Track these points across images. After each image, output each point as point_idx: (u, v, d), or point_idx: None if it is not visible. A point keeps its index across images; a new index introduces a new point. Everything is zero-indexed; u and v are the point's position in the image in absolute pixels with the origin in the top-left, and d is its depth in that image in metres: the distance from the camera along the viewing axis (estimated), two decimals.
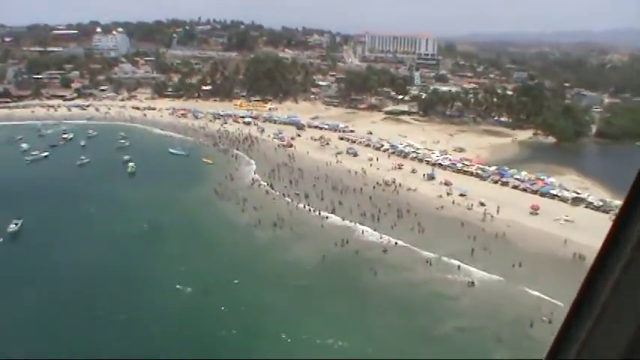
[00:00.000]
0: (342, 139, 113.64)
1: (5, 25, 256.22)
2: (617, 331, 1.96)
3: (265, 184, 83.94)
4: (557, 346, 2.26)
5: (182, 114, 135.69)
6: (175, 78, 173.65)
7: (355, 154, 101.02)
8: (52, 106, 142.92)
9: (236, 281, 52.35)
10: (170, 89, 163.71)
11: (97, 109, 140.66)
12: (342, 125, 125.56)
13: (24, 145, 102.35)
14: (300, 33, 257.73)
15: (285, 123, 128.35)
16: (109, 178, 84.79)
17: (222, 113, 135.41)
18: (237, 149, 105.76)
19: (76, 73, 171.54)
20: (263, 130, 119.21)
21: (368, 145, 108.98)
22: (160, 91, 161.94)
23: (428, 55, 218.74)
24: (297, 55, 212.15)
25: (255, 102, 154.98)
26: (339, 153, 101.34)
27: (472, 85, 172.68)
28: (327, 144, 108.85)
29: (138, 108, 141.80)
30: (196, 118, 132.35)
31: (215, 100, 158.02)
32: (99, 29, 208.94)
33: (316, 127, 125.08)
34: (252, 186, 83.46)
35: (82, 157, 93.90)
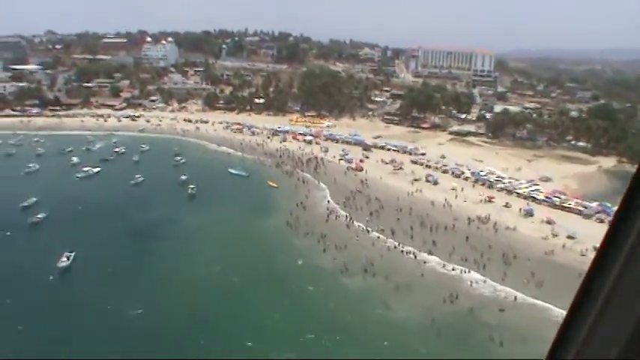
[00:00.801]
0: (414, 162, 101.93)
1: (55, 32, 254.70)
2: (616, 331, 1.93)
3: (344, 215, 72.80)
4: (557, 346, 2.23)
5: (237, 129, 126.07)
6: (226, 90, 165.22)
7: (435, 182, 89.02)
8: (102, 116, 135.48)
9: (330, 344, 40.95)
10: (221, 101, 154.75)
11: (148, 121, 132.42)
12: (410, 147, 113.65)
13: (74, 159, 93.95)
14: (349, 46, 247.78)
15: (348, 142, 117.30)
16: (167, 202, 75.12)
17: (279, 129, 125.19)
18: (303, 171, 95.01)
19: (126, 82, 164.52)
20: (327, 150, 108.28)
21: (445, 172, 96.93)
22: (211, 103, 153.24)
23: (484, 71, 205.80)
24: (348, 68, 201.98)
25: (310, 118, 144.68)
26: (416, 180, 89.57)
27: (534, 105, 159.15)
28: (401, 168, 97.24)
29: (190, 121, 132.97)
30: (253, 134, 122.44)
31: (268, 114, 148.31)
32: (149, 38, 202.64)
33: (382, 147, 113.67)
34: (329, 217, 72.27)
35: (137, 176, 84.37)
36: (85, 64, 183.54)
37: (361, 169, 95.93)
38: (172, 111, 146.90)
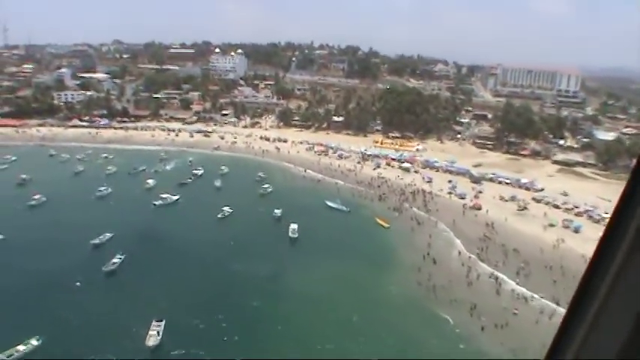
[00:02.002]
0: (536, 200, 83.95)
1: (122, 41, 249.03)
2: (614, 331, 1.91)
3: (487, 274, 55.88)
4: (556, 346, 2.20)
5: (322, 150, 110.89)
6: (299, 104, 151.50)
7: (576, 231, 70.75)
8: (173, 130, 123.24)
9: None
10: (296, 118, 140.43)
11: (222, 137, 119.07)
12: (525, 180, 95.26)
13: (150, 182, 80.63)
14: (419, 61, 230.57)
15: (449, 171, 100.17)
16: (264, 246, 59.87)
17: (370, 153, 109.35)
18: (412, 207, 78.63)
19: (195, 94, 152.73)
20: (430, 181, 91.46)
21: (579, 214, 78.48)
22: (286, 119, 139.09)
23: (569, 91, 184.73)
24: (423, 85, 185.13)
25: (395, 139, 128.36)
26: (551, 225, 71.76)
27: (632, 131, 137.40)
28: (526, 208, 79.52)
29: (267, 139, 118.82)
30: (341, 157, 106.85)
31: (347, 134, 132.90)
32: (217, 50, 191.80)
33: (491, 179, 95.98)
34: (468, 277, 55.30)
35: (224, 208, 69.62)
36: (152, 74, 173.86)
37: (479, 208, 78.70)
38: (245, 127, 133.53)
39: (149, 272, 51.31)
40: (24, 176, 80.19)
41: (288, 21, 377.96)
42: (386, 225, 69.91)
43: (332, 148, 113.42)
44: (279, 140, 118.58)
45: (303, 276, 52.37)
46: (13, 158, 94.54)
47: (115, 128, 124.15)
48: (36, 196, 70.57)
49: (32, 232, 60.00)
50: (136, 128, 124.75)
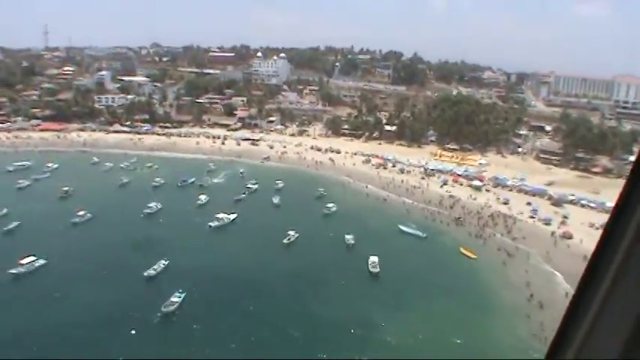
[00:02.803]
0: None
1: (160, 44, 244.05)
2: (615, 330, 1.89)
3: None
4: (556, 345, 2.18)
5: (379, 163, 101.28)
6: (344, 112, 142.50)
7: None
8: (218, 138, 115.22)
9: None
10: (346, 126, 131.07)
11: (271, 147, 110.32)
12: (609, 204, 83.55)
13: (202, 198, 72.11)
14: (466, 67, 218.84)
15: (522, 190, 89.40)
16: (346, 283, 50.52)
17: (432, 168, 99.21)
18: (494, 233, 68.37)
19: (238, 99, 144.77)
20: (507, 202, 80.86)
21: None
22: (335, 127, 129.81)
23: (628, 102, 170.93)
24: (472, 93, 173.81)
25: (454, 152, 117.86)
26: None
27: None
28: None
29: (319, 149, 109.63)
30: (402, 171, 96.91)
31: (400, 145, 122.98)
32: (259, 54, 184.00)
33: (572, 202, 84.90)
34: None
35: (289, 233, 60.38)
36: (193, 78, 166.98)
37: (571, 236, 67.95)
38: (292, 135, 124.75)
39: (214, 316, 42.38)
40: (66, 188, 72.71)
41: (320, 24, 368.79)
42: (472, 256, 59.94)
43: (389, 160, 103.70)
44: (331, 151, 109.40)
45: (396, 322, 42.98)
46: (55, 166, 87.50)
47: (159, 134, 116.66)
48: (80, 213, 62.77)
49: (77, 256, 52.04)
50: (179, 135, 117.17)
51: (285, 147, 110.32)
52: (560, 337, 2.14)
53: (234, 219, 64.89)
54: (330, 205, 72.49)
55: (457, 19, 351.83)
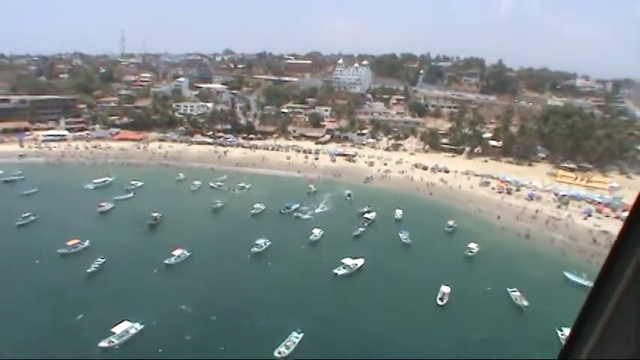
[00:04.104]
0: None
1: (233, 51, 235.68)
2: (628, 331, 1.85)
3: None
4: (569, 345, 2.15)
5: (502, 187, 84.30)
6: (435, 123, 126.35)
7: None
8: (310, 152, 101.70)
9: None
10: (446, 140, 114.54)
11: (371, 164, 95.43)
12: None
13: (316, 233, 57.42)
14: (557, 75, 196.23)
15: None
16: None
17: (565, 194, 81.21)
18: None
19: (322, 109, 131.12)
20: None
21: None
22: (433, 141, 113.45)
23: None
24: (568, 103, 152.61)
25: (573, 171, 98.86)
26: None
27: None
28: None
29: (425, 168, 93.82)
30: (531, 198, 79.47)
31: (509, 162, 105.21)
32: (340, 61, 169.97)
33: None
34: None
35: (443, 290, 44.60)
36: (271, 86, 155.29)
37: None
38: (388, 149, 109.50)
39: None
40: (155, 214, 60.32)
41: (383, 30, 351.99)
42: None
43: (508, 182, 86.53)
44: (438, 170, 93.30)
45: None
46: (139, 184, 75.96)
47: (244, 147, 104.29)
48: (176, 252, 49.79)
49: (176, 321, 38.60)
50: (266, 148, 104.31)
51: (385, 164, 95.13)
52: (573, 337, 2.10)
53: (361, 266, 49.92)
54: (473, 245, 56.38)
55: (528, 24, 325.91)
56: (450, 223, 63.92)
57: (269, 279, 46.72)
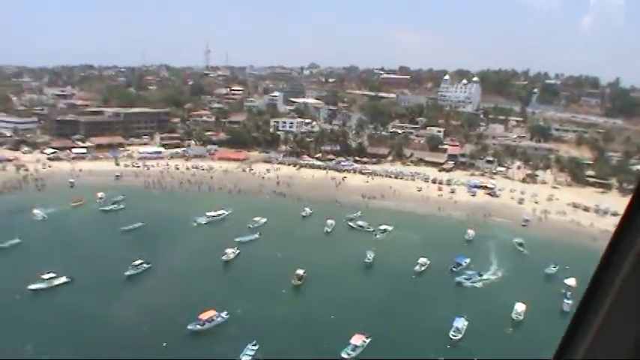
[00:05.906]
0: None
1: (317, 64, 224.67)
2: (624, 331, 1.85)
3: None
4: (565, 345, 2.12)
5: None
6: (562, 149, 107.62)
7: None
8: (442, 183, 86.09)
9: None
10: (591, 172, 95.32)
11: (520, 201, 78.52)
12: None
13: (519, 311, 41.66)
14: None
15: None
16: None
17: None
18: None
19: (434, 129, 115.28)
20: None
21: None
22: (575, 173, 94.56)
23: None
24: None
25: None
26: None
27: None
28: None
29: (587, 209, 75.81)
30: None
31: None
32: (446, 77, 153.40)
33: None
34: None
35: None
36: (372, 103, 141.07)
37: None
38: (525, 181, 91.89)
39: None
40: (300, 272, 46.50)
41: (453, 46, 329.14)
42: None
43: None
44: (603, 212, 74.93)
45: None
46: (263, 221, 62.72)
47: (362, 173, 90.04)
48: (354, 340, 35.53)
49: None
50: (388, 175, 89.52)
51: (536, 202, 77.83)
52: (568, 338, 2.08)
53: None
54: None
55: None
56: None
57: None
